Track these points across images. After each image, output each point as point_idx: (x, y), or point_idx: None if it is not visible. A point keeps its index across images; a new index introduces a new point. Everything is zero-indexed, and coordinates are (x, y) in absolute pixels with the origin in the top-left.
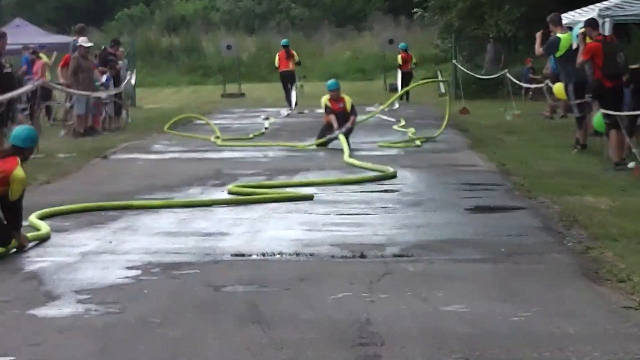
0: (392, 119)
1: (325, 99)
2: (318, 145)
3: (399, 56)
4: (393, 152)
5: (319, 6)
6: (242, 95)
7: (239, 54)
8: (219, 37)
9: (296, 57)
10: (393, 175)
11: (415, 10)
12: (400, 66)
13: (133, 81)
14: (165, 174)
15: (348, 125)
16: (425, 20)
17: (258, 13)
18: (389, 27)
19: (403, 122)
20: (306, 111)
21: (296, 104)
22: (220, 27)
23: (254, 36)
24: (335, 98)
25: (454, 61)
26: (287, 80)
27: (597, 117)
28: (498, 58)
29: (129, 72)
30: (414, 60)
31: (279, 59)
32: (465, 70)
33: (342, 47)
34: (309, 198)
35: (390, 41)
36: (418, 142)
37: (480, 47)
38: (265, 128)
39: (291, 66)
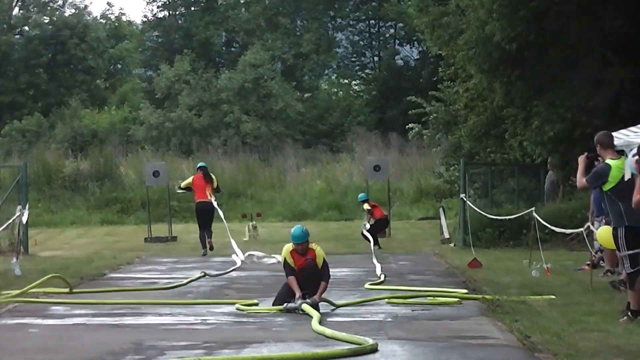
0: (378, 274)
1: (286, 252)
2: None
3: (364, 206)
4: (380, 317)
5: (280, 119)
6: (174, 239)
7: (169, 184)
8: (142, 160)
9: (215, 182)
10: (373, 349)
11: (410, 125)
12: (371, 214)
13: (25, 219)
14: (67, 346)
15: (315, 298)
16: (424, 139)
17: (197, 128)
18: (375, 149)
19: (382, 279)
20: (263, 260)
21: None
22: (144, 146)
23: (191, 159)
24: (302, 252)
25: (463, 196)
26: (205, 216)
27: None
28: (555, 190)
29: (19, 208)
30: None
31: (194, 185)
32: (478, 210)
33: (311, 175)
34: None
35: (377, 167)
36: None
37: (499, 177)
38: (192, 280)
39: (209, 196)
